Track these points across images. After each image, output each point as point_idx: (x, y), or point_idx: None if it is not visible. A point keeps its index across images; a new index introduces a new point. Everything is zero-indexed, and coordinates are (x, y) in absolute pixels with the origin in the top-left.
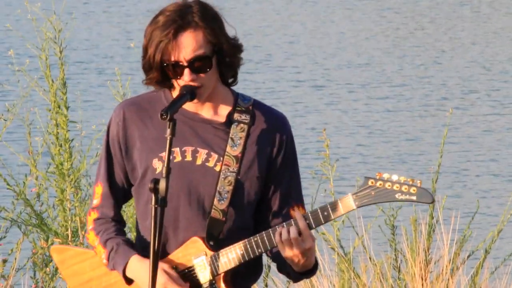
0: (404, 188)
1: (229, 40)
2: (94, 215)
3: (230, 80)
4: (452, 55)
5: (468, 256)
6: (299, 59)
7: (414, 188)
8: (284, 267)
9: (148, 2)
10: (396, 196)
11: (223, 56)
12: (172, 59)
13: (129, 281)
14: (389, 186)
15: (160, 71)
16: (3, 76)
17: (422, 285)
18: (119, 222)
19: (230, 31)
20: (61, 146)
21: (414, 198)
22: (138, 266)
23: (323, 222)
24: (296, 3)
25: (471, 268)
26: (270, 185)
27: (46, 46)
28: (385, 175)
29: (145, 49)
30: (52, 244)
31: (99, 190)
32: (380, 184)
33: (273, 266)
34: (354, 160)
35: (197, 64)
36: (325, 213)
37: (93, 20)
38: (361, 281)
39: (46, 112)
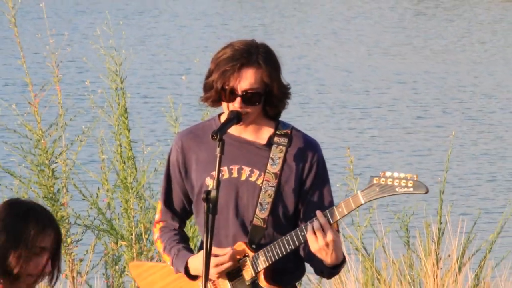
0: (403, 182)
1: (280, 87)
2: (159, 226)
3: (274, 117)
4: (456, 67)
5: (473, 255)
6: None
7: (411, 182)
8: (319, 266)
9: (190, 41)
10: (397, 189)
11: (271, 97)
12: (231, 85)
13: (193, 277)
14: (390, 182)
15: (218, 93)
16: (77, 101)
17: (434, 280)
18: (180, 230)
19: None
20: (124, 163)
21: (411, 190)
22: (194, 262)
23: (338, 217)
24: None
25: (476, 264)
26: (305, 199)
27: (110, 77)
28: (388, 173)
29: (210, 72)
30: (120, 246)
31: (159, 206)
32: (383, 181)
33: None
34: (370, 172)
35: (248, 97)
36: (340, 210)
37: (147, 55)
38: (382, 277)
39: (112, 134)
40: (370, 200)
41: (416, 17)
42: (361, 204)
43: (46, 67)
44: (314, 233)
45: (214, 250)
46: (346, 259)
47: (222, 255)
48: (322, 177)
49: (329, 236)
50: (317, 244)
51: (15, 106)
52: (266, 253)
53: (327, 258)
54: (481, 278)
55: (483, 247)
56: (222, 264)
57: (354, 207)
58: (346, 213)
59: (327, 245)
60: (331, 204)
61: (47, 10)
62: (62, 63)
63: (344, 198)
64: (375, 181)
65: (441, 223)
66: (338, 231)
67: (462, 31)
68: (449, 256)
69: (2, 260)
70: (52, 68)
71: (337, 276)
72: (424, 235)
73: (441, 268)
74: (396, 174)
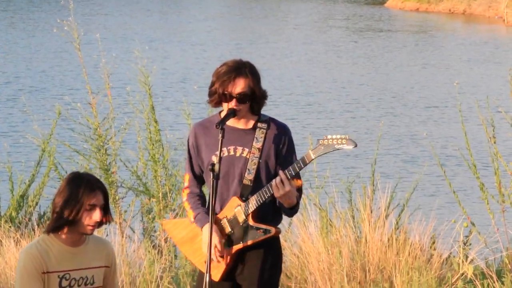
0: (339, 141)
1: (260, 90)
2: (186, 191)
3: (257, 112)
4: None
5: (395, 207)
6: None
7: (345, 140)
8: (283, 209)
9: (203, 57)
10: (335, 146)
11: (255, 98)
12: (228, 90)
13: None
14: (331, 141)
15: (219, 96)
16: (121, 101)
17: (369, 225)
18: (201, 195)
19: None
20: (153, 144)
21: (345, 145)
22: (205, 231)
23: (298, 171)
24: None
25: (397, 214)
26: (280, 165)
27: (141, 85)
28: (329, 136)
29: (213, 83)
30: (152, 202)
31: (187, 177)
32: (326, 141)
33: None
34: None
35: (241, 97)
36: (298, 165)
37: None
38: (333, 223)
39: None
40: (318, 156)
41: (349, 44)
42: (312, 159)
43: (100, 79)
44: (277, 185)
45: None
46: (309, 213)
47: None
48: (291, 150)
49: (287, 187)
50: (278, 193)
51: (80, 105)
52: (252, 201)
53: (285, 202)
54: (400, 223)
55: (402, 202)
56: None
57: (308, 162)
58: (303, 167)
59: (285, 194)
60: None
61: (100, 38)
62: (111, 75)
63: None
64: (320, 142)
65: (373, 185)
66: (302, 186)
67: (379, 53)
68: (379, 208)
69: (59, 214)
70: (104, 79)
71: (302, 221)
72: (362, 194)
73: (373, 217)
74: (334, 136)
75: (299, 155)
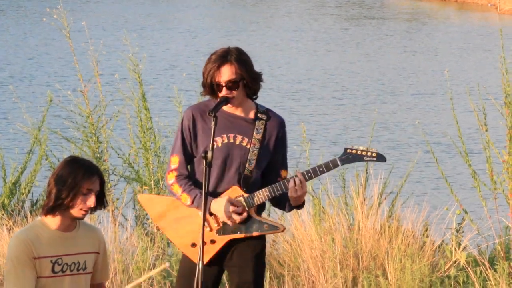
0: (369, 153)
1: (251, 74)
2: (174, 173)
3: (253, 96)
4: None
5: (388, 195)
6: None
7: (374, 154)
8: (283, 204)
9: (196, 44)
10: (364, 158)
11: (246, 82)
12: (216, 80)
13: (211, 214)
14: (360, 152)
15: (210, 87)
16: (112, 89)
17: (362, 212)
18: (190, 176)
19: (257, 68)
20: (144, 132)
21: (374, 159)
22: (214, 204)
23: (319, 175)
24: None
25: (390, 202)
26: (273, 157)
27: (131, 74)
28: (356, 146)
29: (203, 74)
30: (144, 189)
31: (175, 159)
32: (355, 151)
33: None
34: (314, 137)
35: (229, 85)
36: (321, 169)
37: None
38: (325, 210)
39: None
40: (344, 164)
41: (340, 31)
42: (338, 166)
43: (90, 66)
44: (296, 187)
45: (229, 198)
46: (305, 204)
47: (238, 207)
48: (285, 144)
49: (304, 189)
50: (295, 193)
51: (70, 92)
52: (259, 194)
53: (295, 202)
54: (393, 211)
55: (395, 190)
56: (238, 213)
57: (332, 168)
58: (325, 171)
59: (301, 194)
60: (286, 162)
61: (90, 25)
62: (99, 62)
63: (323, 161)
64: (348, 151)
65: (366, 173)
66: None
67: (369, 41)
68: (372, 196)
69: (56, 195)
70: (93, 66)
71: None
72: (355, 182)
73: (366, 204)
74: (362, 147)
75: (289, 145)
